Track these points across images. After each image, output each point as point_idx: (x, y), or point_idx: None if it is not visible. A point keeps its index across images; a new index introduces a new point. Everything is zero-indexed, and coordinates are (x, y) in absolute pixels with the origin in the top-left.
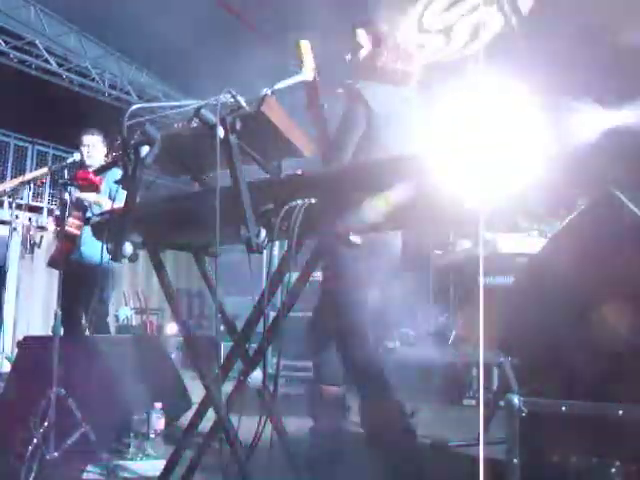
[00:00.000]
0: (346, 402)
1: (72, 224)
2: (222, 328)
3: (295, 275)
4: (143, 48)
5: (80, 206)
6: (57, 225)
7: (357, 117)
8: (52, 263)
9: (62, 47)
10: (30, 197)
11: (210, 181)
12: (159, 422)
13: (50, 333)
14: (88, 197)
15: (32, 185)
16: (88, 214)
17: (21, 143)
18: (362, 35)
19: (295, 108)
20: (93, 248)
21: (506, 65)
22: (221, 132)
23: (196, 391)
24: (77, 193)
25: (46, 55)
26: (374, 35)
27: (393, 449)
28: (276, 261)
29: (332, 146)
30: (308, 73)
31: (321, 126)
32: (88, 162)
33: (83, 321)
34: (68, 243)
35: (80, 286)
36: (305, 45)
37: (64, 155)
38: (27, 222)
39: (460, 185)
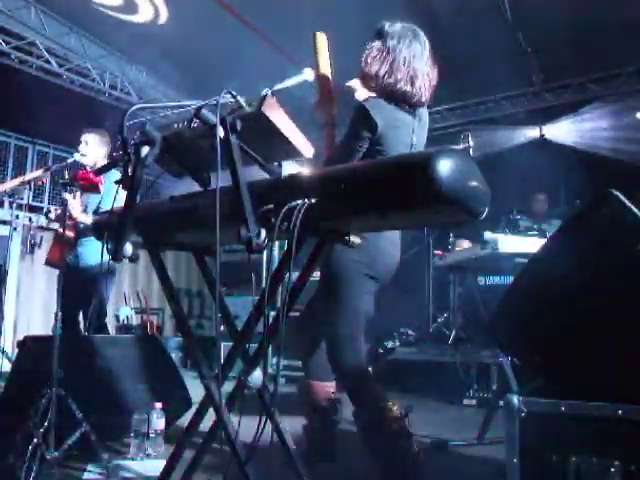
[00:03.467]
0: (337, 397)
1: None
2: (222, 328)
3: (295, 275)
4: (143, 48)
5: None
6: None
7: (361, 136)
8: (49, 263)
9: (62, 47)
10: (30, 197)
11: (210, 181)
12: (159, 422)
13: (50, 333)
14: (73, 209)
15: (32, 185)
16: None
17: (21, 143)
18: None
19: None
20: (90, 249)
21: None
22: (221, 132)
23: (196, 391)
24: (66, 196)
25: (47, 55)
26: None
27: (390, 453)
28: (276, 261)
29: (334, 159)
30: (325, 68)
31: (329, 125)
32: (84, 160)
33: (81, 322)
34: (63, 244)
35: (78, 287)
36: (321, 37)
37: (64, 155)
38: (27, 222)
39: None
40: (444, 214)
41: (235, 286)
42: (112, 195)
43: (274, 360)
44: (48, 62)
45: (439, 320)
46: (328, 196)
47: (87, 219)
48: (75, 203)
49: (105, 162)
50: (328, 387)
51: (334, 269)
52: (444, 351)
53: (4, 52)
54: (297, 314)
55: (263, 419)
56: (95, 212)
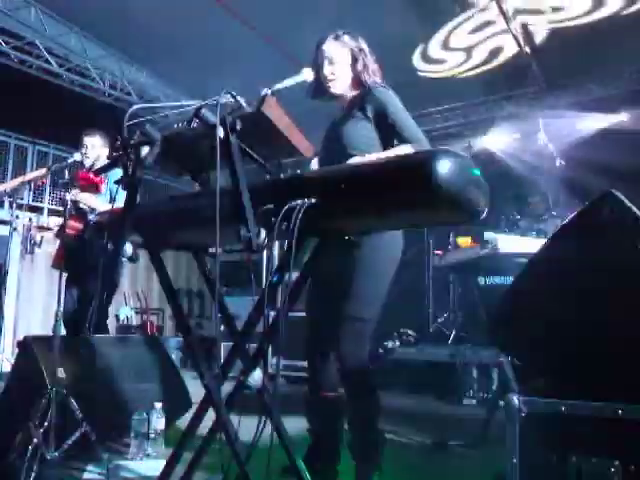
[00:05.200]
0: (343, 407)
1: (72, 227)
2: (222, 328)
3: (295, 275)
4: (143, 48)
5: (79, 208)
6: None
7: None
8: (55, 265)
9: (62, 47)
10: (30, 197)
11: (210, 181)
12: (159, 422)
13: (50, 333)
14: (84, 199)
15: (32, 185)
16: (90, 217)
17: (21, 143)
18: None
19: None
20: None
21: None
22: (221, 132)
23: (196, 391)
24: (74, 195)
25: (46, 55)
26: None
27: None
28: (276, 261)
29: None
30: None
31: None
32: (86, 162)
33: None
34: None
35: (82, 287)
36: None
37: (64, 155)
38: (27, 222)
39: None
40: (444, 214)
41: (235, 286)
42: (112, 195)
43: (274, 360)
44: (48, 62)
45: (439, 320)
46: (328, 196)
47: (100, 205)
48: (85, 195)
49: (105, 162)
50: (335, 397)
51: (377, 266)
52: (444, 351)
53: (4, 52)
54: (299, 315)
55: (263, 419)
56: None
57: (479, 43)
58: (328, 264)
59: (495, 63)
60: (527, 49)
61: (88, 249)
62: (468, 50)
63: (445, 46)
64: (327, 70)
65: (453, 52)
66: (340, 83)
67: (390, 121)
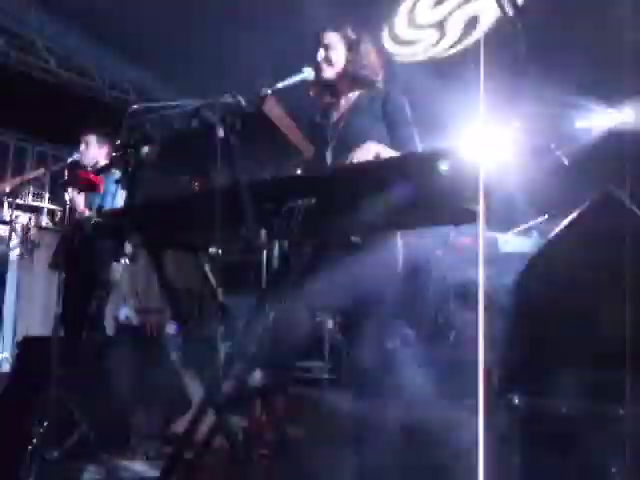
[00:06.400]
0: None
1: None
2: (222, 328)
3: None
4: (143, 48)
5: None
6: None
7: None
8: (52, 265)
9: (62, 47)
10: (30, 197)
11: (210, 181)
12: (159, 422)
13: (50, 333)
14: (78, 204)
15: (32, 185)
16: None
17: (21, 143)
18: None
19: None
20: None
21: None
22: (221, 132)
23: (196, 391)
24: (71, 195)
25: (46, 55)
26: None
27: None
28: (276, 261)
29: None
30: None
31: None
32: (84, 162)
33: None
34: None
35: (79, 287)
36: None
37: (64, 155)
38: (27, 222)
39: (459, 184)
40: (445, 214)
41: (235, 286)
42: (112, 195)
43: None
44: (48, 62)
45: (439, 320)
46: (328, 196)
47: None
48: (79, 199)
49: (105, 162)
50: None
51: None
52: (444, 351)
53: (4, 52)
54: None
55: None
56: (97, 212)
57: (449, 16)
58: (330, 265)
59: (475, 36)
60: (509, 9)
61: (85, 248)
62: (439, 26)
63: (412, 23)
64: (321, 55)
65: (424, 30)
66: (333, 70)
67: (394, 127)
